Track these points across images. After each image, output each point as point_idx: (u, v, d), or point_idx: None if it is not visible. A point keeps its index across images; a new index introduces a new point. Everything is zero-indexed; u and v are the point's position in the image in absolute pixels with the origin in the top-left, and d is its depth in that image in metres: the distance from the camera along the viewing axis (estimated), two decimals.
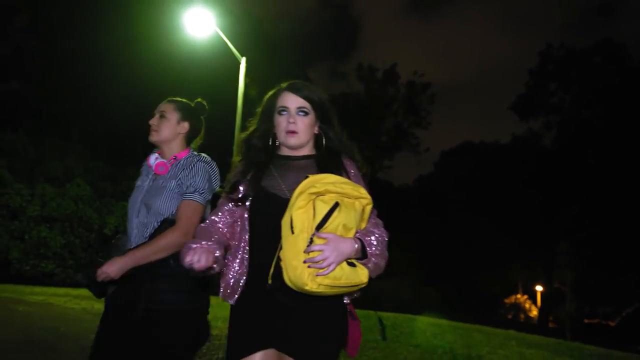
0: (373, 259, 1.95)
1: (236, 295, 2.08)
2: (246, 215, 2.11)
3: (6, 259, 16.78)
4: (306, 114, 2.17)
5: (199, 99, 2.72)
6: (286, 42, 29.75)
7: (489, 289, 34.20)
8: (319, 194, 1.85)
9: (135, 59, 16.56)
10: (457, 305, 27.90)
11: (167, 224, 2.43)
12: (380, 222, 2.08)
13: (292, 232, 1.82)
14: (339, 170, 2.11)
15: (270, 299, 1.97)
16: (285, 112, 2.17)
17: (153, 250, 2.35)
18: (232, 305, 2.10)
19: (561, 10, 65.46)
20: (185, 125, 2.63)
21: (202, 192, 2.48)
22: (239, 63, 12.54)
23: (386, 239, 2.04)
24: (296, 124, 2.15)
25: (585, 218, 29.46)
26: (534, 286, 34.67)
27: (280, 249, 1.90)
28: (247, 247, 2.09)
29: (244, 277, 2.07)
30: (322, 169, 2.09)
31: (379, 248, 1.97)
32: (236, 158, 2.26)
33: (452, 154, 39.88)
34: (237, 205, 2.13)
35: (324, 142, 2.21)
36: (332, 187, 1.86)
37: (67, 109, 19.93)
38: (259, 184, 2.11)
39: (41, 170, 17.71)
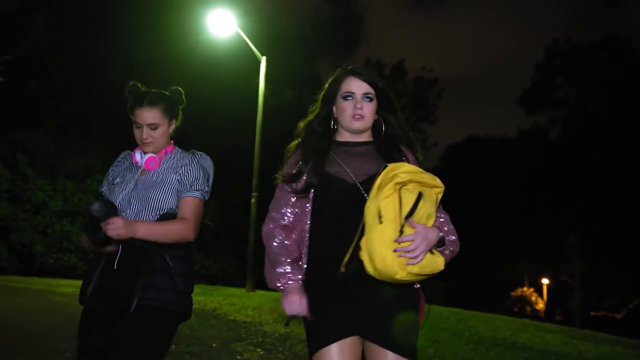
0: (451, 247, 2.00)
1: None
2: (308, 204, 2.09)
3: (30, 253, 17.27)
4: (371, 100, 2.16)
5: (175, 87, 2.57)
6: (293, 39, 30.00)
7: (495, 282, 34.48)
8: (403, 184, 1.87)
9: (156, 60, 16.96)
10: (463, 298, 28.22)
11: (168, 217, 2.38)
12: (440, 206, 2.08)
13: (380, 222, 1.82)
14: (400, 157, 2.13)
15: (341, 287, 1.95)
16: (351, 98, 2.16)
17: (162, 231, 2.29)
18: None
19: (567, 4, 65.38)
20: (174, 124, 2.55)
21: (206, 191, 2.46)
22: (258, 62, 12.93)
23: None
24: (362, 109, 2.14)
25: (591, 212, 29.71)
26: (540, 279, 34.88)
27: (359, 237, 1.89)
28: (308, 236, 2.08)
29: (304, 266, 2.08)
30: (383, 156, 2.11)
31: (453, 237, 2.02)
32: (292, 144, 2.24)
33: (458, 148, 40.04)
34: (300, 196, 2.10)
35: (383, 128, 2.21)
36: (414, 176, 1.89)
37: (85, 107, 20.31)
38: (323, 171, 2.08)
39: (62, 167, 18.16)
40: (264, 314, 7.99)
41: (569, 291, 31.45)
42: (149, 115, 2.41)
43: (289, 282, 2.05)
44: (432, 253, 1.88)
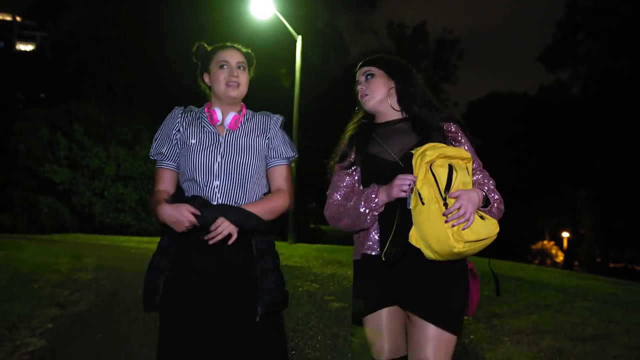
0: (495, 204, 2.04)
1: (360, 254, 2.19)
2: (357, 184, 2.21)
3: (90, 213, 19.30)
4: (372, 75, 2.25)
5: (248, 49, 2.37)
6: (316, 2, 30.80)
7: (516, 236, 35.67)
8: (432, 162, 1.91)
9: (198, 38, 18.30)
10: (484, 252, 29.54)
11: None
12: (487, 173, 2.16)
13: (423, 203, 1.87)
14: (439, 131, 2.15)
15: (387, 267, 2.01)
16: (359, 84, 2.28)
17: (270, 210, 2.17)
18: (355, 262, 2.22)
19: None
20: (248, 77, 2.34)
21: (294, 157, 2.35)
22: (292, 37, 14.29)
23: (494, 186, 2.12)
24: (364, 87, 2.25)
25: (606, 167, 30.63)
26: (561, 233, 35.91)
27: (398, 224, 1.98)
28: None
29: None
30: (417, 130, 2.16)
31: (497, 195, 2.07)
32: (345, 135, 2.33)
33: (480, 105, 40.69)
34: (348, 174, 2.22)
35: (398, 100, 2.25)
36: (439, 151, 1.92)
37: (128, 78, 21.87)
38: (366, 151, 2.19)
39: (112, 135, 19.92)
40: (310, 260, 9.64)
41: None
42: (236, 54, 2.26)
43: (371, 198, 2.08)
44: (482, 218, 1.90)
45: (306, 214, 24.19)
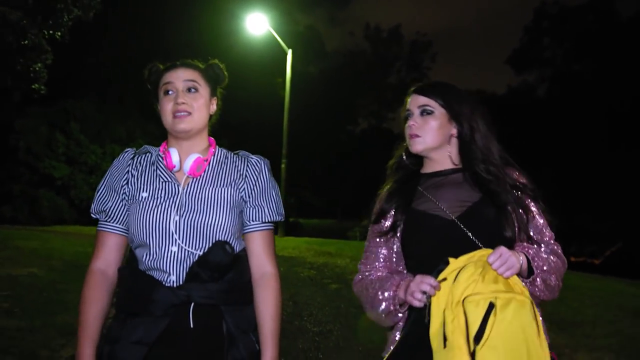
0: (540, 277, 1.59)
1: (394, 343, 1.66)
2: (397, 247, 1.76)
3: (88, 206, 20.37)
4: (431, 112, 1.78)
5: (214, 60, 1.86)
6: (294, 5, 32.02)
7: None
8: (465, 298, 1.40)
9: (191, 48, 19.57)
10: None
11: (234, 256, 1.69)
12: (555, 245, 1.71)
13: (445, 346, 1.40)
14: (500, 184, 1.72)
15: None
16: (410, 116, 1.82)
17: (278, 324, 1.69)
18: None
19: None
20: (214, 104, 1.85)
21: (282, 215, 1.80)
22: (281, 50, 15.71)
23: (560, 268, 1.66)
24: (418, 126, 1.78)
25: (570, 164, 32.75)
26: None
27: (404, 336, 1.59)
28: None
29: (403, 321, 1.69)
30: (482, 185, 1.71)
31: (547, 265, 1.61)
32: (383, 188, 1.89)
33: None
34: (387, 239, 1.77)
35: (459, 147, 1.81)
36: (481, 286, 1.41)
37: (121, 78, 22.92)
38: (411, 207, 1.74)
39: (107, 133, 21.11)
40: (303, 251, 11.17)
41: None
42: (184, 72, 1.76)
43: (390, 294, 1.65)
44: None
45: (288, 209, 25.78)
